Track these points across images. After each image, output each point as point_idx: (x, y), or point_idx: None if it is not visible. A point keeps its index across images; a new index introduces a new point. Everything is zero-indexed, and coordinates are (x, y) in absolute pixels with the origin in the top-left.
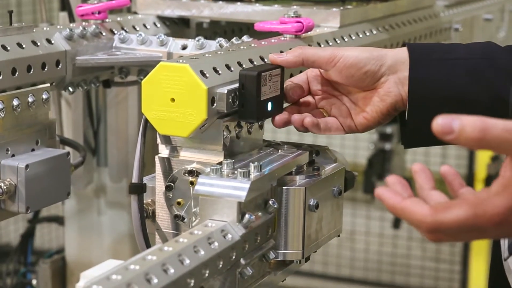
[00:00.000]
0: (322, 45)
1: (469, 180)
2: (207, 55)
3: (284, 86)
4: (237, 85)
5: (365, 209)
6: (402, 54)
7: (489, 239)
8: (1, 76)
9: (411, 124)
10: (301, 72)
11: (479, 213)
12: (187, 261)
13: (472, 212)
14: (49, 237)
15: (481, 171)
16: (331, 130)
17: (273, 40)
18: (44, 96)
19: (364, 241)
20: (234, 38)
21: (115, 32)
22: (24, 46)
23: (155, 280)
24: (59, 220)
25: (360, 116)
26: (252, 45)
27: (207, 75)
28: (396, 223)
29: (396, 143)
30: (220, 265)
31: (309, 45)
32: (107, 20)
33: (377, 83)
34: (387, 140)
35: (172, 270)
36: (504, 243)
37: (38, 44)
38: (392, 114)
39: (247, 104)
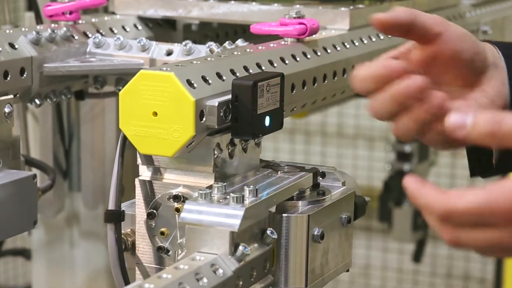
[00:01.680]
0: (329, 50)
1: None
2: (195, 62)
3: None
4: (229, 96)
5: (381, 240)
6: (493, 49)
7: (508, 244)
8: None
9: None
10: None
11: (491, 200)
12: None
13: (485, 198)
14: (14, 273)
15: None
16: None
17: (272, 45)
18: (7, 110)
19: (380, 276)
20: (227, 42)
21: (89, 35)
22: None
23: None
24: (25, 253)
25: None
26: (248, 50)
27: (195, 85)
28: (417, 256)
29: (416, 164)
30: None
31: (314, 50)
32: (80, 21)
33: (483, 76)
34: (406, 160)
35: None
36: None
37: (0, 49)
38: None
39: (242, 118)
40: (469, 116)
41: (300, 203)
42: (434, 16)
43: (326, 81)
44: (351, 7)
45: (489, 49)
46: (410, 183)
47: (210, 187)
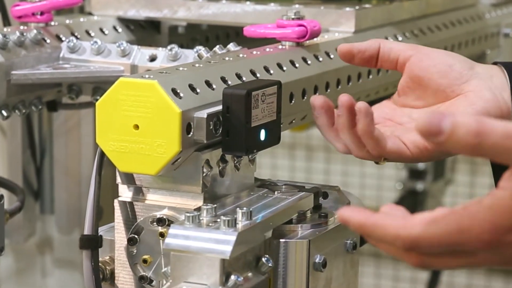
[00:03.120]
0: (332, 56)
1: None
2: (182, 68)
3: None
4: (220, 107)
5: (391, 267)
6: (494, 68)
7: (483, 266)
8: None
9: None
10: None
11: (464, 229)
12: None
13: (456, 227)
14: None
15: None
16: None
17: (268, 49)
18: None
19: None
20: (218, 46)
21: (63, 38)
22: None
23: None
24: None
25: None
26: (241, 55)
27: (182, 94)
28: (432, 286)
29: (431, 182)
30: None
31: (315, 55)
32: (52, 23)
33: (464, 85)
34: (419, 179)
35: None
36: None
37: None
38: None
39: (234, 132)
40: (447, 119)
41: (299, 227)
42: (404, 44)
43: (329, 90)
44: (357, 7)
45: (481, 67)
46: (349, 212)
47: (199, 209)
